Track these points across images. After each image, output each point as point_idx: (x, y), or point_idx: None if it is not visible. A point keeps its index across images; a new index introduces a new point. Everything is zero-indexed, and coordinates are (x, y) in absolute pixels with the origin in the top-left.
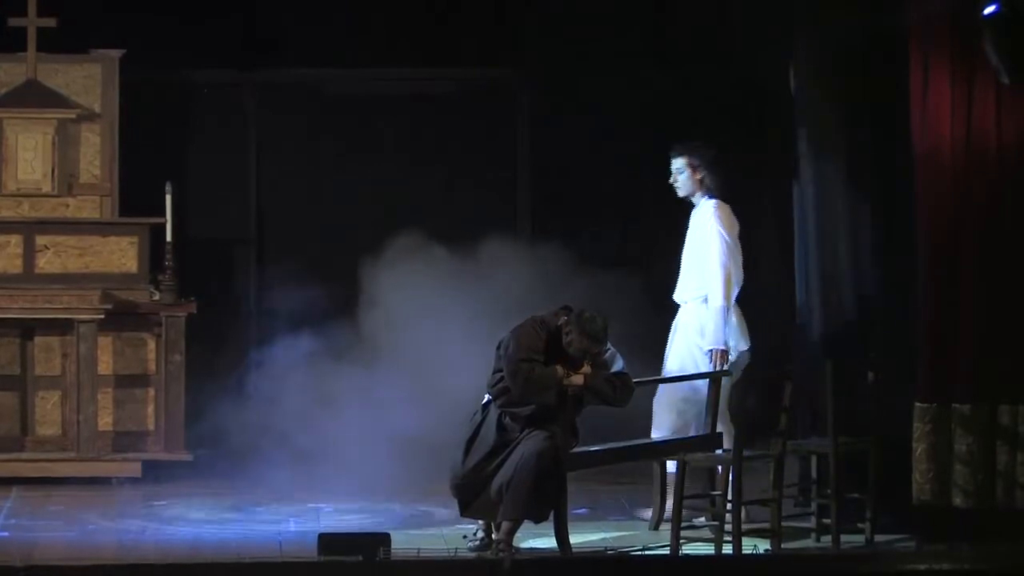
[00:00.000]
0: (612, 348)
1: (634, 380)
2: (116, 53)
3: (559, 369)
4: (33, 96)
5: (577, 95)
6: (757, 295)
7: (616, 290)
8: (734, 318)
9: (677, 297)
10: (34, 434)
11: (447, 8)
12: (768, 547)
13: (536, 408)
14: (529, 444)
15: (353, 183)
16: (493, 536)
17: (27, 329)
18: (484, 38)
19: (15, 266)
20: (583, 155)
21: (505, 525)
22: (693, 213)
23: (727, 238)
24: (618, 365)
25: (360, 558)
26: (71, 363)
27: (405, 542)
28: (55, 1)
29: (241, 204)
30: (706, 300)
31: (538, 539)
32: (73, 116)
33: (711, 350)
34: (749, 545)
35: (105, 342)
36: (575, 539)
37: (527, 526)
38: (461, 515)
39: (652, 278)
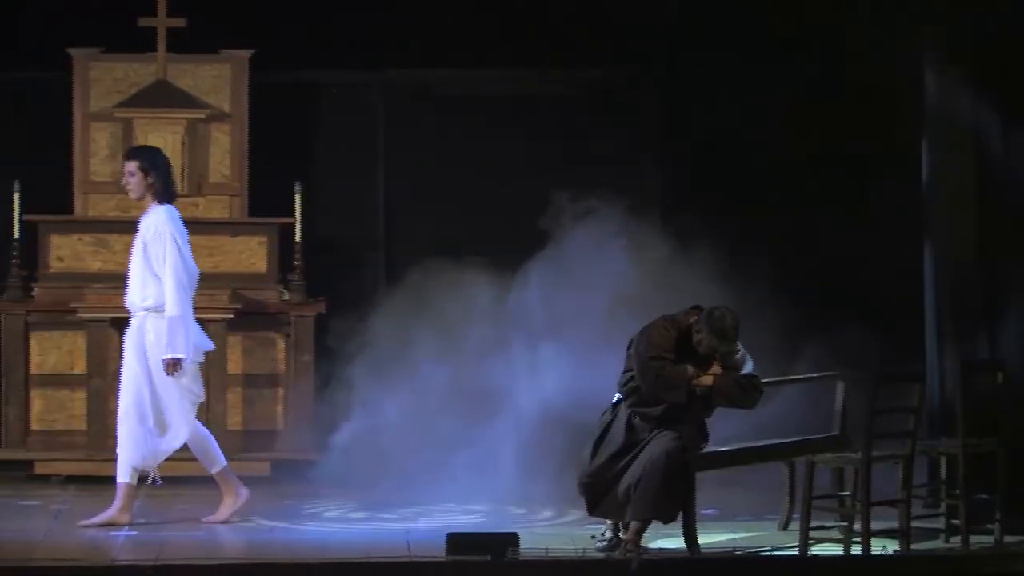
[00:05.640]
0: (743, 350)
1: (764, 381)
2: (245, 53)
3: (689, 368)
4: (163, 96)
5: (703, 92)
6: (886, 296)
7: (755, 284)
8: (193, 323)
9: (128, 304)
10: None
11: (573, 9)
12: (897, 548)
13: (666, 408)
14: (657, 444)
15: (481, 183)
16: (621, 536)
17: None
18: (613, 38)
19: None
20: (711, 153)
21: (633, 525)
22: (143, 218)
23: (179, 244)
24: (748, 367)
25: (488, 558)
26: None
27: (533, 542)
28: (185, 1)
29: (369, 204)
30: (161, 308)
31: (666, 539)
32: (203, 116)
33: (166, 359)
34: (878, 546)
35: (234, 341)
36: (703, 539)
37: (655, 526)
38: (589, 515)
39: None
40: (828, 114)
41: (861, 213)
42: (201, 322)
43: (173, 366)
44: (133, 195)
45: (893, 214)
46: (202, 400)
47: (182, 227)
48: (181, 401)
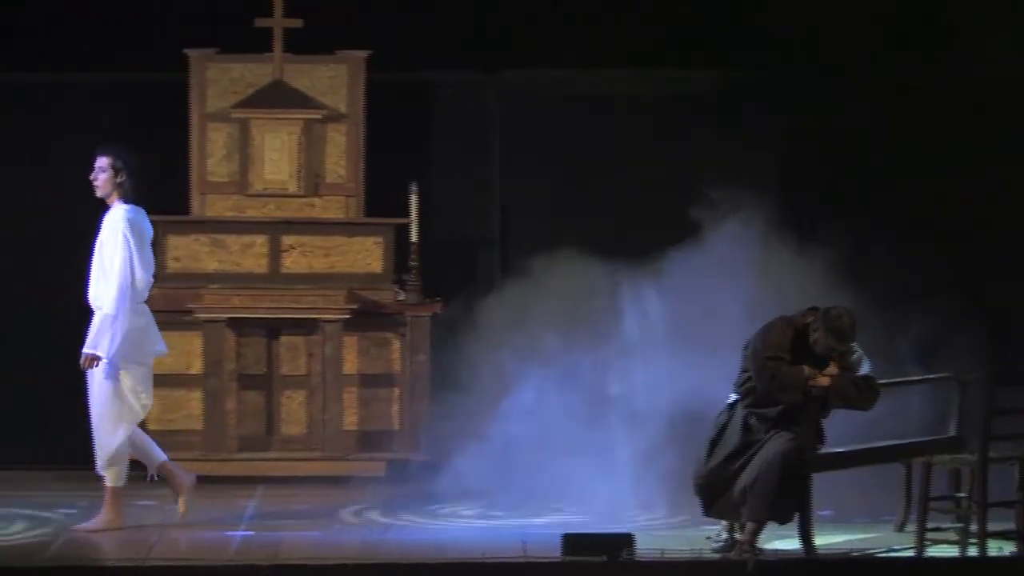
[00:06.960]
0: (859, 351)
1: (880, 382)
2: (362, 54)
3: (805, 369)
4: (279, 97)
5: (824, 92)
6: (1003, 296)
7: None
8: (150, 327)
9: (91, 302)
10: (279, 433)
11: (690, 10)
12: (1013, 549)
13: (782, 409)
14: (773, 445)
15: (596, 183)
16: (737, 537)
17: (273, 329)
18: (731, 38)
19: (261, 266)
20: (831, 155)
21: (749, 526)
22: (105, 217)
23: (133, 247)
24: (865, 368)
25: (604, 558)
26: (316, 363)
27: (648, 542)
28: (301, 2)
29: (485, 204)
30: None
31: (782, 540)
32: (319, 116)
33: (85, 352)
34: (994, 547)
35: (350, 341)
36: (820, 541)
37: (771, 527)
38: (704, 515)
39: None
40: (949, 114)
41: (977, 214)
42: (316, 322)
43: (89, 361)
44: (100, 192)
45: (1010, 214)
46: (147, 405)
47: (143, 227)
48: (119, 405)
